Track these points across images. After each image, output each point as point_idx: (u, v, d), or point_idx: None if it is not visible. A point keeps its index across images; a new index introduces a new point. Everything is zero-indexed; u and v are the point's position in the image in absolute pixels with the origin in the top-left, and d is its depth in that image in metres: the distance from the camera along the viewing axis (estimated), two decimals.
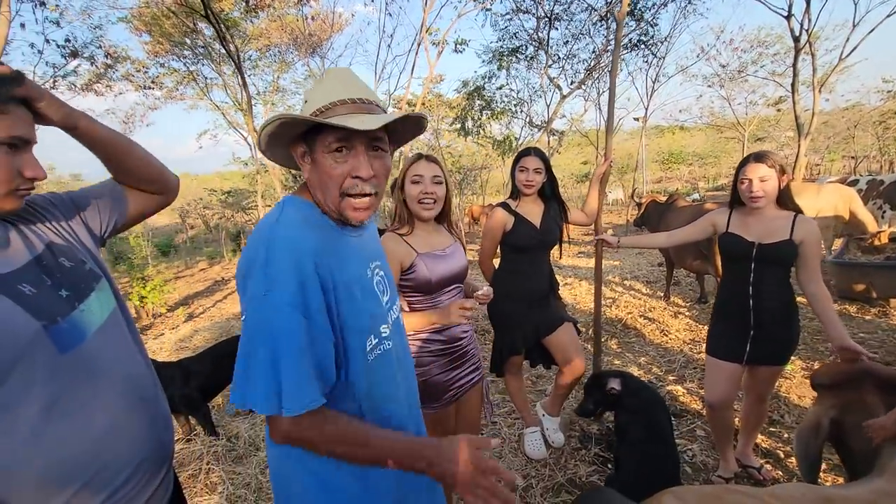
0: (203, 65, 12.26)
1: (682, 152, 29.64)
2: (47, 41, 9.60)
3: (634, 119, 16.25)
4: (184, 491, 1.15)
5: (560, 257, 2.40)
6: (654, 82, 11.98)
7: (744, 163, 1.91)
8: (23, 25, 10.38)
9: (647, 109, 12.65)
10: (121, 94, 12.07)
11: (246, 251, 0.84)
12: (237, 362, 0.79)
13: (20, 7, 8.14)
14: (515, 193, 2.33)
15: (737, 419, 2.41)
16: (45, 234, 0.86)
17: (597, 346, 2.68)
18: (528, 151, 2.27)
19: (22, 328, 0.72)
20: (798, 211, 1.88)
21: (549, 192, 2.33)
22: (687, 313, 4.79)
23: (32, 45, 13.28)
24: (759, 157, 1.85)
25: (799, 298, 1.97)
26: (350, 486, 0.90)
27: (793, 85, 7.55)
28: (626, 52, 10.50)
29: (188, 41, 11.04)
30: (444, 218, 1.73)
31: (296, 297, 0.77)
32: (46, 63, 10.55)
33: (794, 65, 7.50)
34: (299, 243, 0.81)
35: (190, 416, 2.85)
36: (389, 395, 0.96)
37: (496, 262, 2.39)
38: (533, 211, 2.31)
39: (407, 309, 1.64)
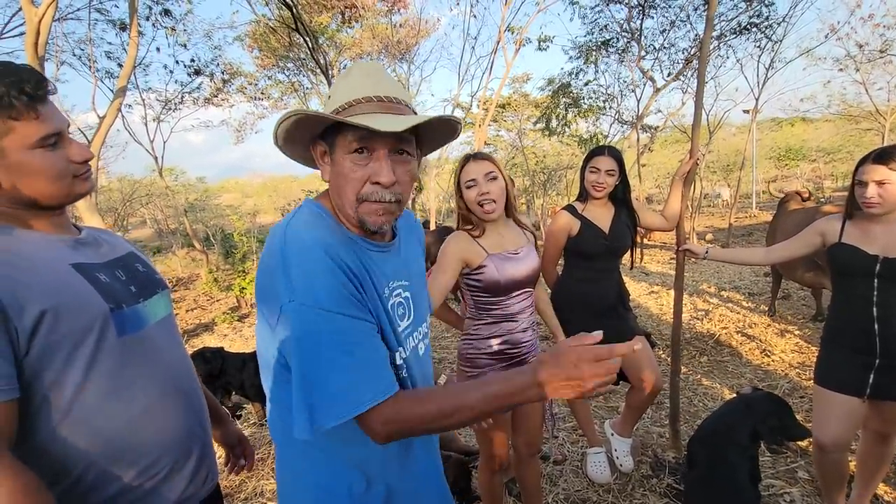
0: (303, 76, 13.29)
1: (804, 147, 25.95)
2: (177, 62, 11.04)
3: (744, 111, 14.56)
4: (252, 471, 1.24)
5: (632, 267, 2.15)
6: (767, 69, 10.61)
7: (861, 162, 1.62)
8: (158, 49, 12.03)
9: (757, 100, 11.26)
10: (233, 106, 13.48)
11: (263, 258, 0.80)
12: (298, 385, 0.72)
13: (156, 33, 9.46)
14: (584, 196, 2.17)
15: (852, 463, 2.02)
16: (132, 248, 1.04)
17: (675, 362, 2.40)
18: (601, 150, 2.10)
19: (95, 307, 0.82)
20: None
21: (621, 196, 2.14)
22: (797, 332, 4.16)
23: (165, 66, 15.37)
24: (880, 157, 1.56)
25: None
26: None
27: None
28: (733, 37, 9.44)
29: (290, 55, 12.01)
30: (510, 211, 1.69)
31: (326, 297, 0.72)
32: (176, 81, 12.17)
33: None
34: (314, 238, 0.76)
35: (262, 405, 3.05)
36: None
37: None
38: (602, 215, 2.13)
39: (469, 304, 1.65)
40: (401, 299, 0.91)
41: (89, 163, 0.90)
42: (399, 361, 0.86)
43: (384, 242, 0.89)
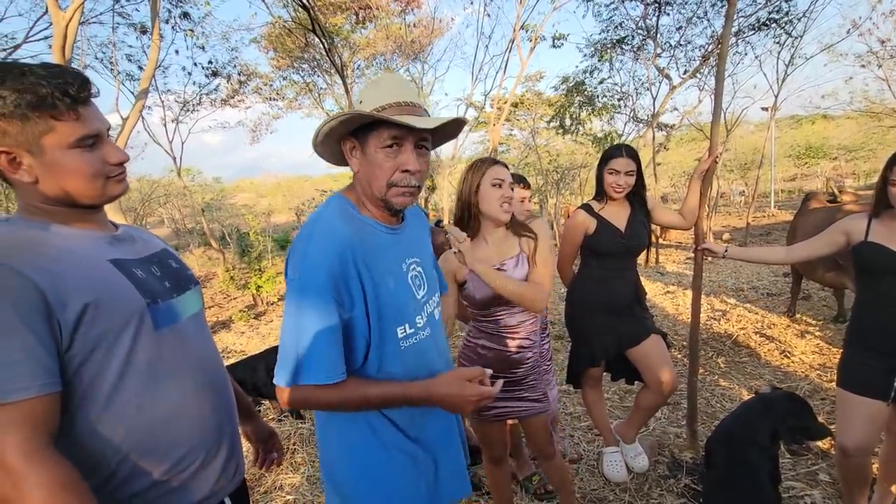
0: (318, 76, 13.41)
1: (825, 145, 25.39)
2: (195, 64, 11.24)
3: (763, 109, 14.30)
4: (270, 466, 1.28)
5: (647, 262, 2.12)
6: (787, 65, 10.40)
7: (892, 162, 1.58)
8: (177, 52, 12.21)
9: (776, 97, 11.04)
10: (249, 107, 13.68)
11: (294, 241, 0.95)
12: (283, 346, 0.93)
13: (175, 36, 9.65)
14: (601, 195, 2.15)
15: (874, 465, 1.99)
16: (164, 245, 1.08)
17: (693, 363, 2.38)
18: (619, 151, 2.07)
19: (132, 301, 0.85)
20: None
21: (638, 194, 2.14)
22: (817, 333, 4.09)
23: (184, 68, 15.64)
24: None
25: None
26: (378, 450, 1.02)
27: None
28: (752, 33, 9.28)
29: (305, 55, 12.13)
30: (511, 221, 1.66)
31: (326, 281, 0.88)
32: (194, 83, 12.37)
33: None
34: (336, 234, 0.93)
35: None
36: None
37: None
38: (619, 214, 2.12)
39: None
40: (416, 272, 1.08)
41: (125, 165, 0.92)
42: (420, 324, 1.05)
43: (397, 226, 1.06)
